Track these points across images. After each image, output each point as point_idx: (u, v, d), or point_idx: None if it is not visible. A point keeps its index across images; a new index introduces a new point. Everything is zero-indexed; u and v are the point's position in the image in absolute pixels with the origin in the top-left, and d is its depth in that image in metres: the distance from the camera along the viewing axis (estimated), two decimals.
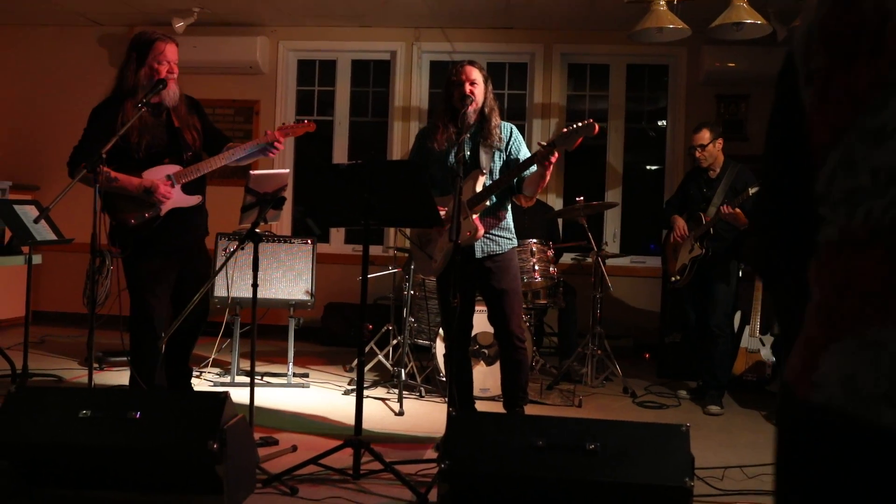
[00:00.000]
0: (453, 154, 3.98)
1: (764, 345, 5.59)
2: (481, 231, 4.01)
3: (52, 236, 4.94)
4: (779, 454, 0.97)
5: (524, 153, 4.06)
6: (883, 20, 0.85)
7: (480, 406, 4.94)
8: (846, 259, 0.88)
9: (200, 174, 4.18)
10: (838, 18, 0.91)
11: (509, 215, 4.20)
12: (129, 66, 4.16)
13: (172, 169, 4.12)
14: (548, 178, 3.87)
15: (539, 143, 3.92)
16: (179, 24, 7.19)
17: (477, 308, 5.15)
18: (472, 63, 4.15)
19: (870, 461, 0.79)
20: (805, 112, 0.98)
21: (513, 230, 4.20)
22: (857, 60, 0.88)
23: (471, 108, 3.98)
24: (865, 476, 0.79)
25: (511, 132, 4.13)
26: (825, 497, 0.84)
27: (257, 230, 3.64)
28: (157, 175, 4.07)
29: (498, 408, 4.90)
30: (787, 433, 0.95)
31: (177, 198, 4.12)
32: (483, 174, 3.99)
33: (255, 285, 3.70)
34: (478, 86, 4.05)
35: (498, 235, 4.10)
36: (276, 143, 4.20)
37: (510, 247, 4.15)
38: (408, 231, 5.38)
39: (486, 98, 4.08)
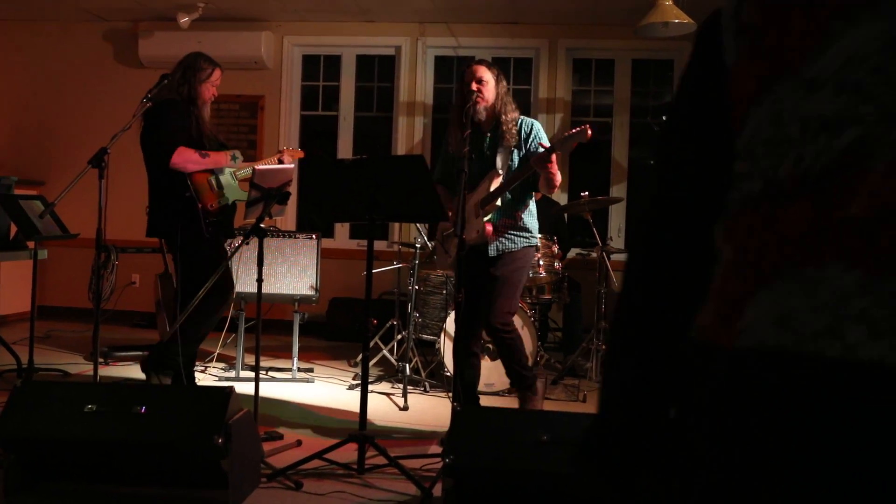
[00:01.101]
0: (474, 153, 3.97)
1: None
2: (489, 230, 3.99)
3: (58, 231, 4.94)
4: (697, 419, 0.93)
5: (534, 147, 4.00)
6: None
7: (485, 401, 4.94)
8: (770, 210, 0.88)
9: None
10: None
11: (529, 214, 4.12)
12: (199, 75, 4.49)
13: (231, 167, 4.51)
14: (556, 176, 3.84)
15: (540, 144, 3.91)
16: (184, 20, 7.19)
17: None
18: (480, 61, 4.11)
19: (809, 396, 0.79)
20: (728, 70, 0.97)
21: (533, 229, 4.13)
22: (793, 11, 0.89)
23: (480, 106, 3.96)
24: (803, 412, 0.79)
25: (532, 128, 4.06)
26: (763, 441, 0.83)
27: (262, 225, 3.64)
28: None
29: (503, 402, 4.91)
30: (707, 391, 0.91)
31: (235, 191, 4.49)
32: (499, 175, 3.97)
33: (259, 280, 3.70)
34: (487, 84, 4.01)
35: (514, 234, 4.05)
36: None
37: (525, 245, 4.09)
38: (422, 226, 5.39)
39: (497, 95, 4.03)
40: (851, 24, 0.84)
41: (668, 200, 1.09)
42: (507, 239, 4.04)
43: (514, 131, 4.01)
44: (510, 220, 4.05)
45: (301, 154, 4.86)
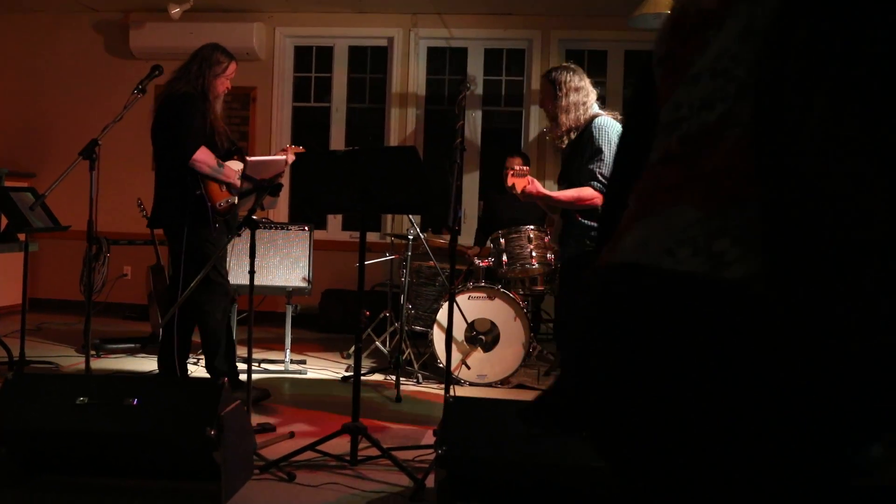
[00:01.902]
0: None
1: None
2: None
3: (49, 223, 4.92)
4: (578, 317, 1.18)
5: (589, 153, 3.80)
6: (698, 14, 1.16)
7: (478, 392, 4.95)
8: (658, 169, 1.14)
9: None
10: (680, 19, 1.22)
11: (584, 220, 3.83)
12: (214, 69, 4.43)
13: (239, 165, 4.47)
14: (546, 198, 3.87)
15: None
16: (175, 10, 7.15)
17: (475, 295, 5.17)
18: (548, 78, 3.97)
19: (646, 295, 1.03)
20: (656, 86, 1.25)
21: (585, 231, 3.82)
22: (688, 40, 1.16)
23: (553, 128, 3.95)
24: (642, 308, 1.03)
25: (589, 130, 3.82)
26: (625, 324, 1.05)
27: (254, 217, 3.63)
28: (237, 167, 4.43)
29: (496, 393, 4.91)
30: (585, 297, 1.17)
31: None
32: (561, 182, 3.96)
33: (252, 272, 3.69)
34: (546, 102, 3.96)
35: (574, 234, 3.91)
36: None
37: (576, 251, 3.86)
38: (414, 218, 5.36)
39: (554, 106, 3.90)
40: (720, 30, 1.09)
41: (619, 164, 1.46)
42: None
43: (567, 138, 3.92)
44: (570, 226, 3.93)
45: (301, 150, 4.81)
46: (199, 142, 4.24)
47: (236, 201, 4.44)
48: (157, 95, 4.51)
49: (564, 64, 4.01)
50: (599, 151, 3.72)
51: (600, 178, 3.69)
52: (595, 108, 3.90)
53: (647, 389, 1.02)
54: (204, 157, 4.22)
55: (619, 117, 3.85)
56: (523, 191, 3.91)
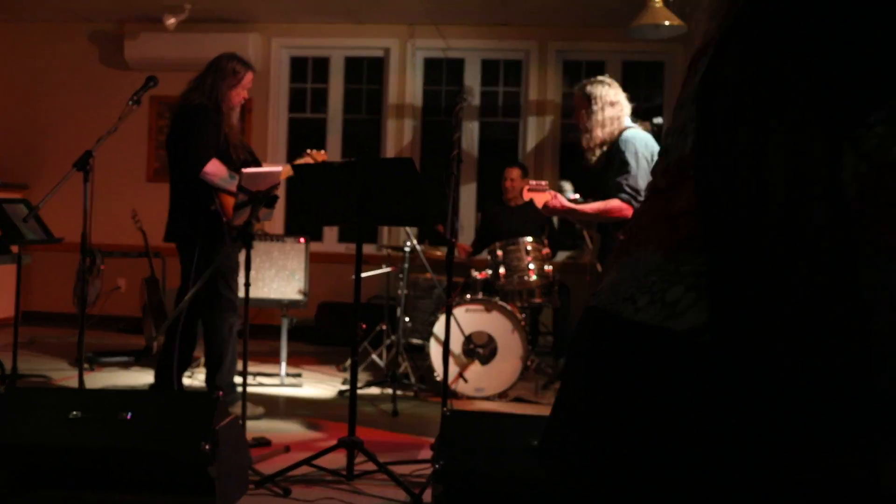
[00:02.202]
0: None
1: None
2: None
3: (42, 236, 4.89)
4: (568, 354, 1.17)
5: (617, 165, 3.79)
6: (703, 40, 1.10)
7: (476, 405, 4.91)
8: (647, 202, 1.10)
9: None
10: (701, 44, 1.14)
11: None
12: (228, 80, 4.40)
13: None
14: (572, 212, 3.86)
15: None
16: (171, 21, 7.13)
17: (470, 308, 5.14)
18: (581, 91, 3.97)
19: (610, 346, 1.02)
20: None
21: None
22: (691, 66, 1.10)
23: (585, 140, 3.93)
24: (612, 356, 1.01)
25: (618, 143, 3.82)
26: (591, 373, 1.04)
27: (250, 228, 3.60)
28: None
29: (493, 407, 4.88)
30: (575, 336, 1.15)
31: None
32: (598, 196, 3.95)
33: (247, 285, 3.66)
34: (579, 115, 3.95)
35: None
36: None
37: None
38: (411, 230, 5.34)
39: (589, 120, 3.89)
40: (705, 57, 1.04)
41: None
42: None
43: (597, 153, 3.92)
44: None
45: (324, 156, 4.77)
46: (210, 154, 4.20)
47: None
48: (172, 107, 4.48)
49: (599, 78, 3.97)
50: (626, 164, 3.71)
51: (628, 189, 3.68)
52: (627, 121, 3.88)
53: (602, 442, 1.01)
54: (214, 169, 4.18)
55: (648, 126, 3.86)
56: (545, 206, 3.88)
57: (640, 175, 3.69)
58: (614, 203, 3.72)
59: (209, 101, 4.33)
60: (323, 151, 4.76)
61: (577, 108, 3.96)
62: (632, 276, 1.03)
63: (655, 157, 3.73)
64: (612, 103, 3.86)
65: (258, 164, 4.49)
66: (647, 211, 1.08)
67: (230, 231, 4.25)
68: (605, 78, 3.99)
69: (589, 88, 3.90)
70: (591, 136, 3.87)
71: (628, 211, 3.70)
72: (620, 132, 3.83)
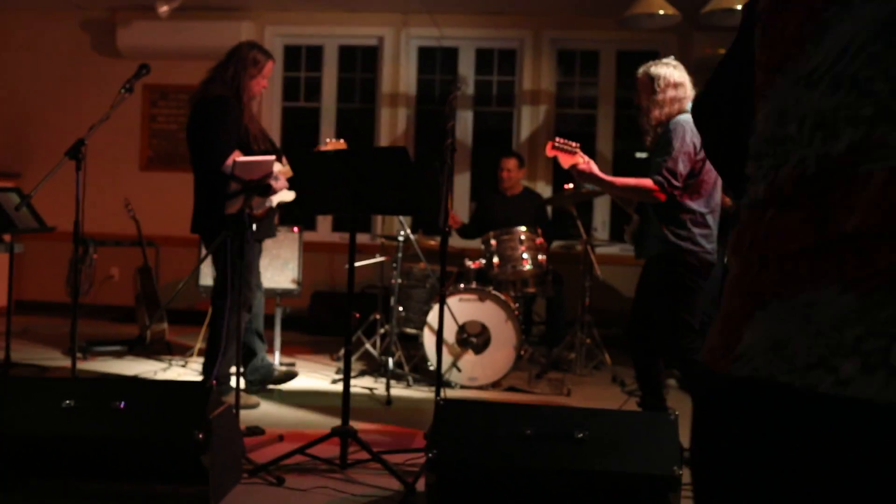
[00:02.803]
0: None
1: None
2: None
3: (34, 224, 4.87)
4: (695, 443, 0.90)
5: (661, 146, 3.69)
6: None
7: (469, 395, 4.92)
8: (770, 219, 0.83)
9: None
10: None
11: (660, 218, 3.72)
12: (249, 70, 4.41)
13: (279, 167, 4.31)
14: (600, 181, 3.76)
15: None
16: (164, 9, 7.08)
17: (464, 297, 5.14)
18: (646, 72, 3.83)
19: (801, 430, 0.74)
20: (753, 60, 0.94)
21: (668, 230, 3.68)
22: (794, 4, 0.85)
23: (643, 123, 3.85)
24: (795, 446, 0.74)
25: (668, 126, 3.71)
26: (753, 475, 0.78)
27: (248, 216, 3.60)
28: (275, 168, 4.31)
29: (487, 396, 4.89)
30: (705, 418, 0.88)
31: (284, 194, 4.41)
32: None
33: (240, 274, 3.66)
34: (641, 96, 3.84)
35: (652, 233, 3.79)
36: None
37: (656, 251, 3.77)
38: (404, 219, 5.32)
39: (650, 101, 3.79)
40: (846, 9, 0.77)
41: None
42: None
43: (651, 138, 3.84)
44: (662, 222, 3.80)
45: (343, 145, 4.68)
46: (231, 147, 4.22)
47: (273, 205, 4.41)
48: (191, 97, 4.46)
49: (665, 60, 3.86)
50: (669, 145, 3.60)
51: (665, 172, 3.58)
52: (688, 105, 3.76)
53: None
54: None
55: None
56: (574, 168, 3.76)
57: (681, 160, 3.58)
58: (646, 182, 3.62)
59: (230, 92, 4.34)
60: (342, 140, 4.71)
61: (640, 90, 3.84)
62: (808, 329, 0.75)
63: None
64: (675, 84, 3.74)
65: (278, 154, 4.48)
66: (781, 229, 0.81)
67: (251, 221, 4.24)
68: (671, 60, 3.86)
69: (653, 70, 3.79)
70: (649, 117, 3.78)
71: (659, 194, 3.60)
72: (678, 114, 3.73)
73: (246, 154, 4.23)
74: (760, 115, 0.88)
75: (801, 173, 0.79)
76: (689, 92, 3.77)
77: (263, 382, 4.77)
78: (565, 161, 3.82)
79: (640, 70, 3.86)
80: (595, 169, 3.78)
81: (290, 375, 4.80)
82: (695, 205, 3.64)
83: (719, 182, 3.69)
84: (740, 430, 0.80)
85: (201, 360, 5.57)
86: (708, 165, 3.61)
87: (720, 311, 0.90)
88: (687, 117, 3.67)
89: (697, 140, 3.59)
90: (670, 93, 3.74)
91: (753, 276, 0.83)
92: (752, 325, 0.81)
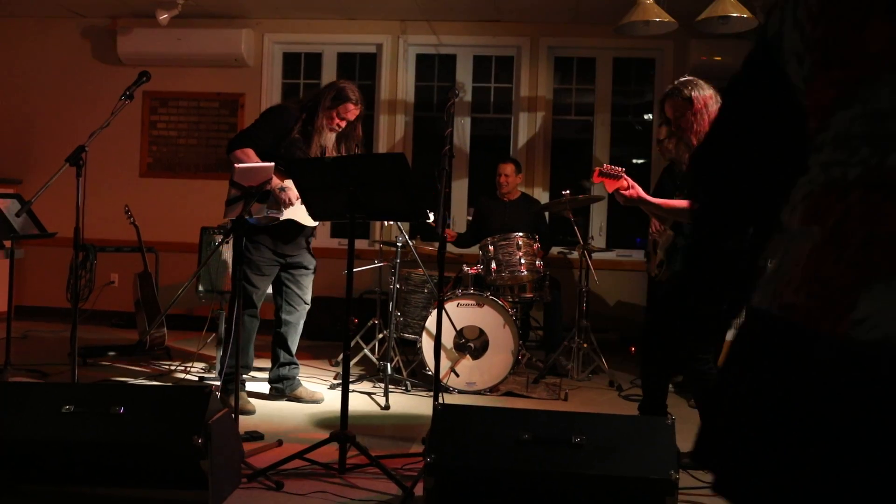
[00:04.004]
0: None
1: None
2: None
3: (35, 230, 4.89)
4: (799, 400, 0.95)
5: None
6: None
7: (467, 399, 4.94)
8: (874, 201, 0.91)
9: None
10: None
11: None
12: (324, 101, 4.53)
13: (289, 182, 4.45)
14: (648, 204, 3.71)
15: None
16: (164, 16, 7.12)
17: (462, 302, 5.16)
18: (669, 95, 3.78)
19: None
20: (792, 85, 1.07)
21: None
22: (871, 22, 0.96)
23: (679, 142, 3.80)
24: None
25: None
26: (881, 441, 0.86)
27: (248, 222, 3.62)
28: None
29: (484, 401, 4.90)
30: (811, 374, 0.94)
31: (297, 212, 4.44)
32: (676, 194, 3.88)
33: (239, 279, 3.68)
34: (681, 120, 3.75)
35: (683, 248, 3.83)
36: None
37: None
38: (402, 225, 5.35)
39: (695, 122, 3.72)
40: None
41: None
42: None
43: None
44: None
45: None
46: (249, 143, 4.38)
47: (279, 218, 4.46)
48: None
49: (687, 78, 3.80)
50: None
51: None
52: None
53: None
54: (243, 156, 4.32)
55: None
56: (619, 193, 3.73)
57: None
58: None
59: (295, 106, 4.57)
60: None
61: (676, 115, 3.75)
62: None
63: None
64: (711, 96, 3.70)
65: None
66: (889, 213, 0.91)
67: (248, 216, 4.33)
68: (690, 77, 3.81)
69: (686, 92, 3.72)
70: (697, 135, 3.68)
71: None
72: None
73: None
74: (840, 119, 0.99)
75: None
76: (717, 104, 3.70)
77: (280, 391, 4.83)
78: (610, 186, 3.81)
79: (672, 95, 3.78)
80: (641, 192, 3.72)
81: (315, 400, 4.82)
82: None
83: None
84: (858, 386, 0.88)
85: (202, 365, 5.60)
86: None
87: (795, 272, 0.98)
88: None
89: None
90: (711, 107, 3.68)
91: (858, 250, 0.91)
92: (870, 296, 0.89)
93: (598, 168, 3.85)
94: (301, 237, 4.70)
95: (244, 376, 4.69)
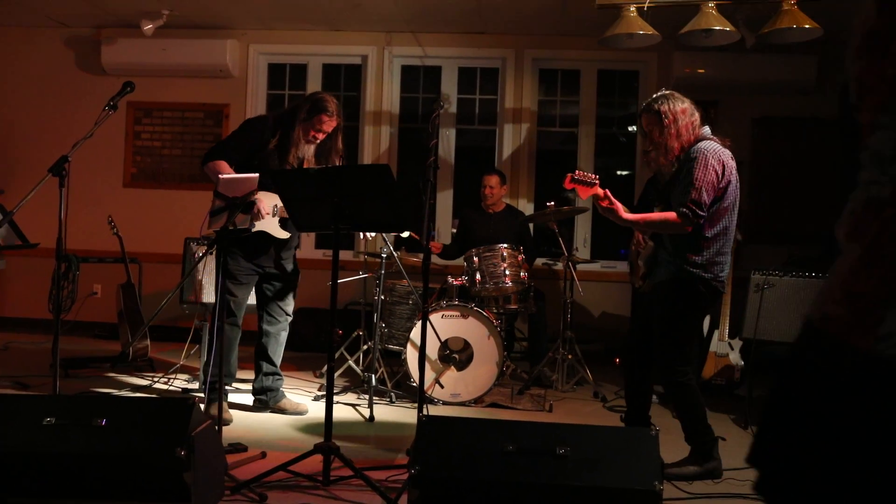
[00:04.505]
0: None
1: (732, 349, 5.63)
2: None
3: (17, 241, 4.86)
4: (818, 409, 0.99)
5: (686, 177, 3.65)
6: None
7: (452, 411, 4.93)
8: None
9: None
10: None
11: (676, 247, 3.74)
12: (301, 113, 4.57)
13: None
14: (618, 214, 3.70)
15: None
16: (148, 27, 7.11)
17: (446, 314, 5.16)
18: (643, 109, 3.82)
19: None
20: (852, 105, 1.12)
21: (681, 257, 3.70)
22: (891, 48, 1.02)
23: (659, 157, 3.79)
24: None
25: (690, 154, 3.68)
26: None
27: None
28: (270, 200, 4.45)
29: (469, 413, 4.90)
30: (837, 385, 0.98)
31: (269, 224, 4.50)
32: (659, 206, 3.88)
33: (223, 290, 3.66)
34: (653, 134, 3.79)
35: (664, 259, 3.81)
36: None
37: (666, 276, 3.77)
38: (387, 236, 5.35)
39: (664, 135, 3.75)
40: None
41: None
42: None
43: (669, 170, 3.80)
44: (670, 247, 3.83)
45: None
46: (222, 155, 4.44)
47: (251, 229, 4.45)
48: None
49: (663, 92, 3.83)
50: (692, 175, 3.58)
51: (690, 204, 3.55)
52: (705, 130, 3.77)
53: None
54: (215, 167, 4.39)
55: (728, 143, 3.72)
56: (597, 203, 3.74)
57: (705, 189, 3.56)
58: (671, 215, 3.62)
59: (274, 117, 4.63)
60: None
61: (650, 131, 3.79)
62: None
63: (729, 171, 3.61)
64: (682, 111, 3.73)
65: None
66: None
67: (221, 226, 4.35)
68: (665, 91, 3.85)
69: (656, 106, 3.76)
70: (667, 151, 3.73)
71: (686, 226, 3.59)
72: (696, 141, 3.71)
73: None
74: (878, 138, 1.04)
75: None
76: (696, 115, 3.77)
77: (264, 402, 4.82)
78: (584, 193, 3.82)
79: (642, 111, 3.85)
80: (617, 206, 3.71)
81: (299, 412, 4.81)
82: (713, 232, 3.66)
83: (736, 209, 3.71)
84: (879, 401, 0.91)
85: (185, 376, 5.58)
86: (727, 193, 3.63)
87: (836, 284, 1.02)
88: (707, 144, 3.66)
89: (720, 167, 3.59)
90: (682, 120, 3.72)
91: (887, 266, 0.95)
92: (894, 311, 0.92)
93: (569, 174, 3.85)
94: (281, 248, 4.70)
95: (227, 386, 4.68)
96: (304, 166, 4.57)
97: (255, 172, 4.24)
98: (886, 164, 1.01)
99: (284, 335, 4.92)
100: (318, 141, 4.60)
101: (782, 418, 1.04)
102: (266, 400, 4.80)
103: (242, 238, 4.48)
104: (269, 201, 4.44)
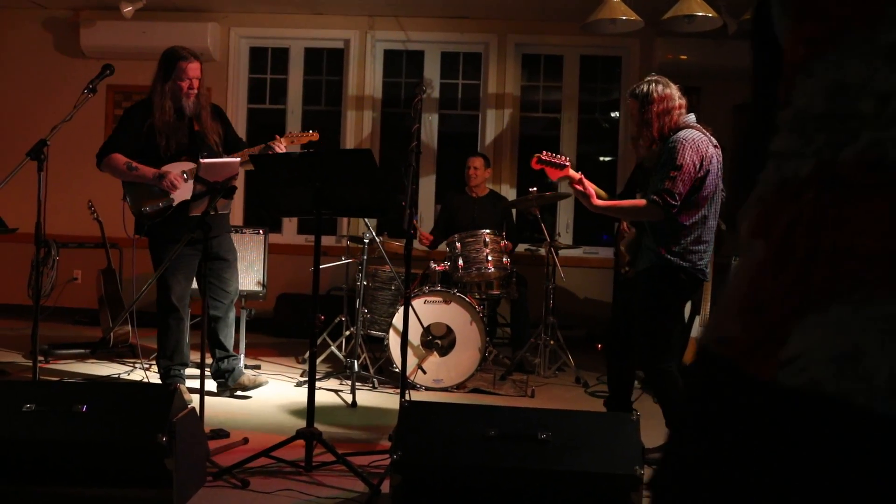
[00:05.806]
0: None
1: None
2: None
3: None
4: (702, 439, 0.79)
5: (664, 166, 3.61)
6: None
7: (434, 396, 4.95)
8: (826, 204, 0.70)
9: None
10: None
11: (655, 234, 3.70)
12: (157, 79, 4.56)
13: (188, 166, 4.50)
14: (590, 201, 3.71)
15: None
16: (128, 9, 7.03)
17: (429, 299, 5.16)
18: (630, 94, 3.81)
19: (872, 458, 0.64)
20: (776, 35, 0.85)
21: (660, 245, 3.67)
22: None
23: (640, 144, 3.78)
24: (862, 474, 0.64)
25: (670, 142, 3.64)
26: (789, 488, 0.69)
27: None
28: (174, 169, 4.49)
29: (451, 398, 4.91)
30: (733, 423, 0.75)
31: (186, 191, 4.36)
32: (639, 193, 3.88)
33: (205, 276, 3.65)
34: (633, 118, 3.80)
35: (646, 246, 3.78)
36: (275, 145, 4.63)
37: (647, 263, 3.74)
38: (370, 221, 5.35)
39: (640, 120, 3.75)
40: None
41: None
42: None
43: (652, 156, 3.77)
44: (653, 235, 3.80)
45: (316, 136, 4.85)
46: (115, 149, 4.50)
47: (172, 204, 4.47)
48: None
49: (649, 77, 3.81)
50: (670, 164, 3.56)
51: (663, 193, 3.54)
52: (690, 117, 3.74)
53: None
54: (111, 162, 4.49)
55: (710, 130, 3.70)
56: (570, 184, 3.74)
57: (681, 179, 3.54)
58: (640, 203, 3.62)
59: (147, 98, 4.60)
60: (313, 132, 4.90)
61: (636, 111, 3.78)
62: (893, 344, 0.63)
63: (709, 160, 3.59)
64: (661, 98, 3.70)
65: (209, 150, 4.55)
66: (851, 221, 0.69)
67: (144, 221, 4.54)
68: (652, 76, 3.82)
69: (637, 90, 3.76)
70: (645, 136, 3.73)
71: (654, 215, 3.59)
72: (676, 129, 3.68)
73: (149, 151, 4.46)
74: (801, 91, 0.77)
75: (877, 157, 0.68)
76: (677, 102, 3.74)
77: (223, 384, 4.79)
78: (553, 174, 3.82)
79: (629, 98, 3.84)
80: (591, 193, 3.72)
81: (258, 384, 4.82)
82: (691, 221, 3.65)
83: (717, 198, 3.70)
84: (786, 444, 0.70)
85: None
86: (707, 182, 3.61)
87: (735, 297, 0.79)
88: (687, 133, 3.64)
89: (697, 157, 3.58)
90: (658, 107, 3.70)
91: (798, 270, 0.71)
92: (801, 330, 0.69)
93: (536, 155, 3.84)
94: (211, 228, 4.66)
95: (183, 372, 4.74)
96: (196, 128, 4.56)
97: (141, 153, 4.41)
98: (812, 127, 0.74)
99: (232, 315, 4.88)
100: (196, 90, 4.55)
101: (680, 467, 0.82)
102: (225, 381, 4.80)
103: (167, 220, 4.47)
104: (175, 169, 4.49)
